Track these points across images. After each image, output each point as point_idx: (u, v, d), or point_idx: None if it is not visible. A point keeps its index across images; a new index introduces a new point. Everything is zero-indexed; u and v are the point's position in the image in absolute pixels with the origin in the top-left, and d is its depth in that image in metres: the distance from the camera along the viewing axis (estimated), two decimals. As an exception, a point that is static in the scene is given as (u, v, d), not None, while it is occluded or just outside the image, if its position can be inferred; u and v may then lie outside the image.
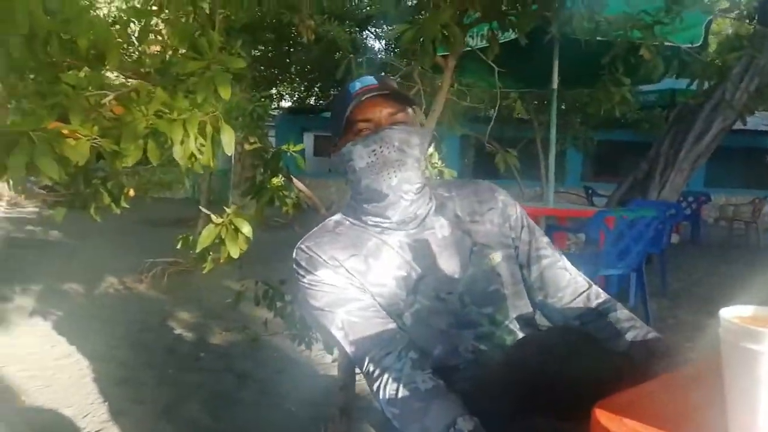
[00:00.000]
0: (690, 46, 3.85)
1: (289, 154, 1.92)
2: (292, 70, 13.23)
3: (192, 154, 1.33)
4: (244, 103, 2.43)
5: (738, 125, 5.74)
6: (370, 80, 1.21)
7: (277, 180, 2.01)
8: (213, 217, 1.62)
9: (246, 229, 1.63)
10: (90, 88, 1.37)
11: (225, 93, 1.44)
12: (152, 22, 1.74)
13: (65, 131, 1.19)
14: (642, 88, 7.65)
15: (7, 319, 3.68)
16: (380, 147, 1.15)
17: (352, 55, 2.39)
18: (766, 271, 6.06)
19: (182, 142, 1.29)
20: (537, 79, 5.55)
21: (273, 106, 13.90)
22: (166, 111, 1.37)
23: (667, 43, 3.22)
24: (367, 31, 13.16)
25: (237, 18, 2.07)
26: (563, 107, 7.77)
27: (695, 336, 3.54)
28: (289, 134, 10.52)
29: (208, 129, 1.34)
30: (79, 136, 1.22)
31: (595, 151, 10.17)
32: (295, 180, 1.96)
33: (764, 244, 8.54)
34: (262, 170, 1.91)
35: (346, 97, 1.19)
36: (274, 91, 13.86)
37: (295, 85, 14.69)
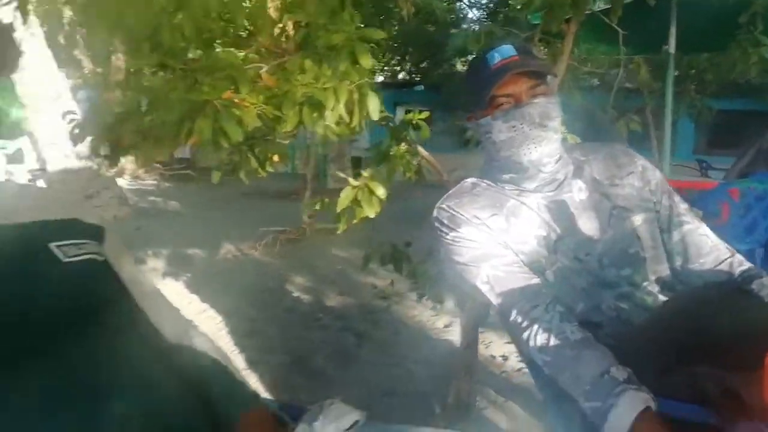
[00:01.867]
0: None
1: (414, 122, 1.99)
2: (385, 43, 13.30)
3: (340, 118, 1.44)
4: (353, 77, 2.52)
5: None
6: (509, 51, 1.18)
7: (401, 148, 2.10)
8: (351, 180, 1.73)
9: (380, 191, 1.73)
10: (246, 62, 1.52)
11: (366, 62, 1.54)
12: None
13: (236, 100, 1.33)
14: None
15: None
16: (521, 123, 1.16)
17: (466, 27, 2.40)
18: None
19: (333, 109, 1.40)
20: (649, 44, 5.23)
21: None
22: (313, 81, 1.48)
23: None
24: (461, 2, 12.93)
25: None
26: (677, 74, 7.28)
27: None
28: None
29: (356, 96, 1.44)
30: (247, 104, 1.35)
31: (710, 121, 9.45)
32: (419, 148, 2.03)
33: None
34: (388, 139, 2.00)
35: (483, 69, 1.19)
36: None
37: (388, 59, 14.75)
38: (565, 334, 1.10)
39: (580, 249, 1.23)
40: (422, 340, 2.89)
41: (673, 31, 4.55)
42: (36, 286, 0.72)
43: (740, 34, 2.84)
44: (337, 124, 1.46)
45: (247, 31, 1.77)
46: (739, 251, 3.80)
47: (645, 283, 1.23)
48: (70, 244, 0.80)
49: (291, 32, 1.83)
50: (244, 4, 1.73)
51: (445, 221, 1.26)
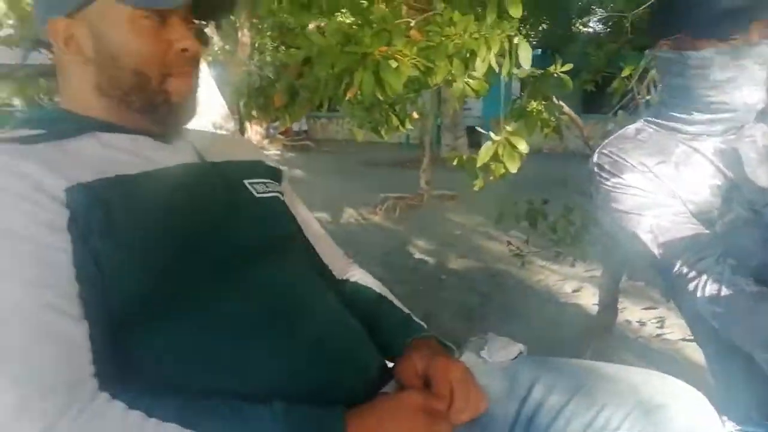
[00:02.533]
0: None
1: (555, 75, 1.93)
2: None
3: (490, 68, 1.44)
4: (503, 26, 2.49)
5: None
6: None
7: (539, 104, 2.05)
8: (491, 134, 1.73)
9: (522, 146, 1.71)
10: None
11: (515, 11, 1.51)
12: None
13: (390, 53, 1.38)
14: None
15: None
16: (754, 62, 1.05)
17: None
18: None
19: (484, 59, 1.40)
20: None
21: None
22: (462, 33, 1.49)
23: None
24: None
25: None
26: None
27: None
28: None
29: (507, 45, 1.43)
30: (400, 57, 1.40)
31: None
32: (561, 102, 1.98)
33: None
34: (525, 93, 1.97)
35: None
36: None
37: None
38: (740, 286, 1.02)
39: (759, 199, 1.13)
40: (547, 303, 2.85)
41: None
42: (238, 215, 0.79)
43: None
44: (486, 74, 1.47)
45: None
46: None
47: None
48: (259, 182, 0.87)
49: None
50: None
51: (607, 166, 1.19)
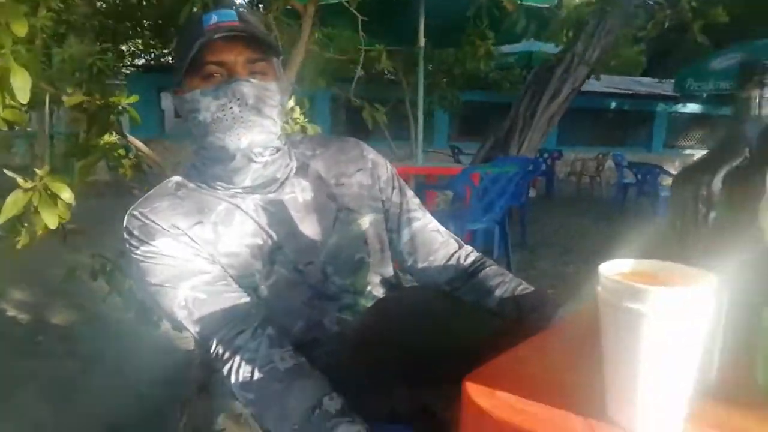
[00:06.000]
0: (547, 6, 4.00)
1: (120, 107, 1.66)
2: (145, 24, 11.97)
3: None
4: (82, 56, 2.11)
5: (586, 87, 6.17)
6: (230, 15, 1.00)
7: (110, 138, 1.75)
8: (21, 180, 1.34)
9: (66, 194, 1.38)
10: None
11: (19, 29, 1.17)
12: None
13: None
14: (502, 50, 7.98)
15: None
16: (231, 102, 0.97)
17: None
18: (610, 223, 6.72)
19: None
20: (405, 37, 5.52)
21: (126, 63, 12.68)
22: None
23: (526, 3, 3.30)
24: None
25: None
26: (430, 67, 7.84)
27: (555, 284, 3.80)
28: (143, 94, 9.47)
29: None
30: None
31: (460, 112, 10.49)
32: (131, 138, 1.71)
33: (606, 196, 9.47)
34: (86, 127, 1.64)
35: (196, 28, 0.98)
36: (125, 47, 12.57)
37: (150, 40, 13.34)
38: (273, 364, 0.93)
39: (301, 258, 1.07)
40: (164, 355, 2.54)
41: (421, 26, 4.81)
42: None
43: (469, 28, 3.04)
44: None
45: None
46: (478, 230, 4.15)
47: (369, 288, 1.13)
48: None
49: None
50: None
51: (136, 232, 1.00)
